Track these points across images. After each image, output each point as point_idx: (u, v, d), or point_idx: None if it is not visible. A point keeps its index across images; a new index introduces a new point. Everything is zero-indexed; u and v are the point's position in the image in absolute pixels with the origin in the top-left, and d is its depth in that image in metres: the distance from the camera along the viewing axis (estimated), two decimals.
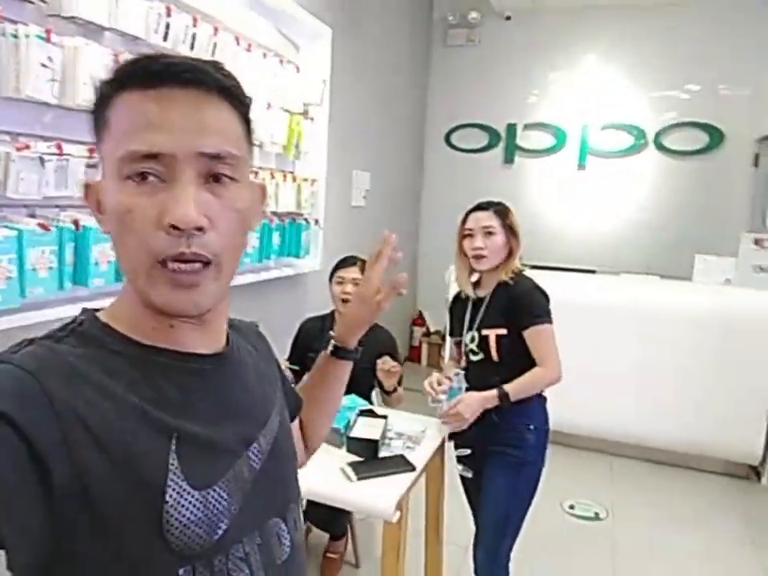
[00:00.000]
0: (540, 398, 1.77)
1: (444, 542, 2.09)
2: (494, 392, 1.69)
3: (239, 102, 0.56)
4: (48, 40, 1.50)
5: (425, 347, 4.89)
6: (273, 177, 2.54)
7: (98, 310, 0.59)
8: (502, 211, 1.80)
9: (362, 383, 2.09)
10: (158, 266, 0.51)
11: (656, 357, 3.28)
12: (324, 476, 1.58)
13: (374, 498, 1.52)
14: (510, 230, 1.78)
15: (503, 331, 1.72)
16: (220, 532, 0.54)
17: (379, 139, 4.00)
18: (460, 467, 1.91)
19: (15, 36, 1.44)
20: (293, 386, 0.83)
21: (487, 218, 1.78)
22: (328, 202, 3.09)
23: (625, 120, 4.42)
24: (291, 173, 2.80)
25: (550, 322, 1.72)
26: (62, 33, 1.56)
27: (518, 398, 1.69)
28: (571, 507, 2.91)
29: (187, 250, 0.51)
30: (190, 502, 0.52)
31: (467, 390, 1.79)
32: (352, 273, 2.20)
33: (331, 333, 0.88)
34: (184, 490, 0.52)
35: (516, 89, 4.67)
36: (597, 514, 2.87)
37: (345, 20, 3.25)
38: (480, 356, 1.77)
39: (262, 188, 0.63)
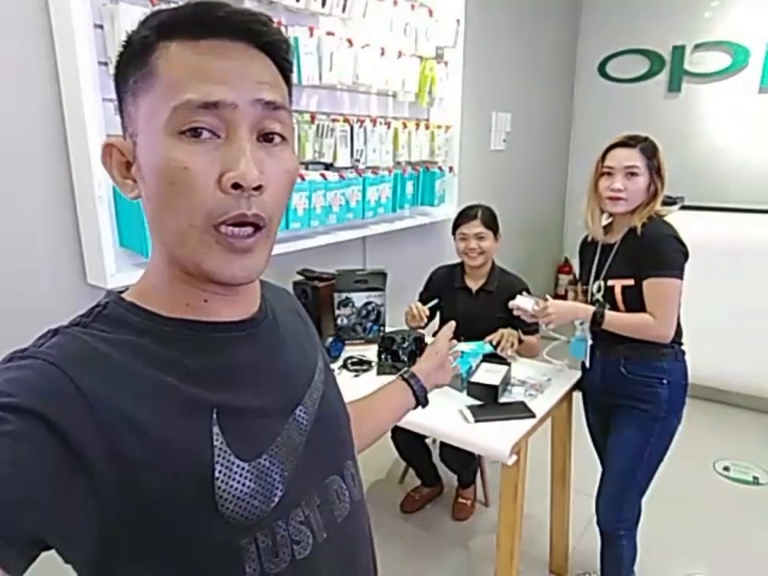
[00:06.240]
0: (675, 351, 1.65)
1: (572, 490, 2.08)
2: (591, 308, 1.65)
3: (285, 60, 0.54)
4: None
5: (571, 295, 4.67)
6: (405, 126, 2.56)
7: (123, 291, 0.57)
8: (648, 148, 1.62)
9: (491, 331, 2.09)
10: (211, 229, 0.49)
11: None
12: (443, 416, 1.65)
13: (491, 440, 1.56)
14: (657, 171, 1.62)
15: (630, 282, 1.62)
16: (276, 499, 0.53)
17: (522, 77, 3.79)
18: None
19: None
20: None
21: (631, 157, 1.61)
22: (464, 147, 3.04)
23: None
24: (426, 120, 2.80)
25: (678, 277, 1.56)
26: None
27: (612, 330, 1.62)
28: (725, 469, 2.69)
29: (248, 212, 0.49)
30: (241, 475, 0.51)
31: (592, 341, 1.74)
32: (474, 228, 2.17)
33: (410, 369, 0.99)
34: (232, 463, 0.51)
35: (686, 4, 4.09)
36: (756, 478, 2.62)
37: None
38: (606, 307, 1.68)
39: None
